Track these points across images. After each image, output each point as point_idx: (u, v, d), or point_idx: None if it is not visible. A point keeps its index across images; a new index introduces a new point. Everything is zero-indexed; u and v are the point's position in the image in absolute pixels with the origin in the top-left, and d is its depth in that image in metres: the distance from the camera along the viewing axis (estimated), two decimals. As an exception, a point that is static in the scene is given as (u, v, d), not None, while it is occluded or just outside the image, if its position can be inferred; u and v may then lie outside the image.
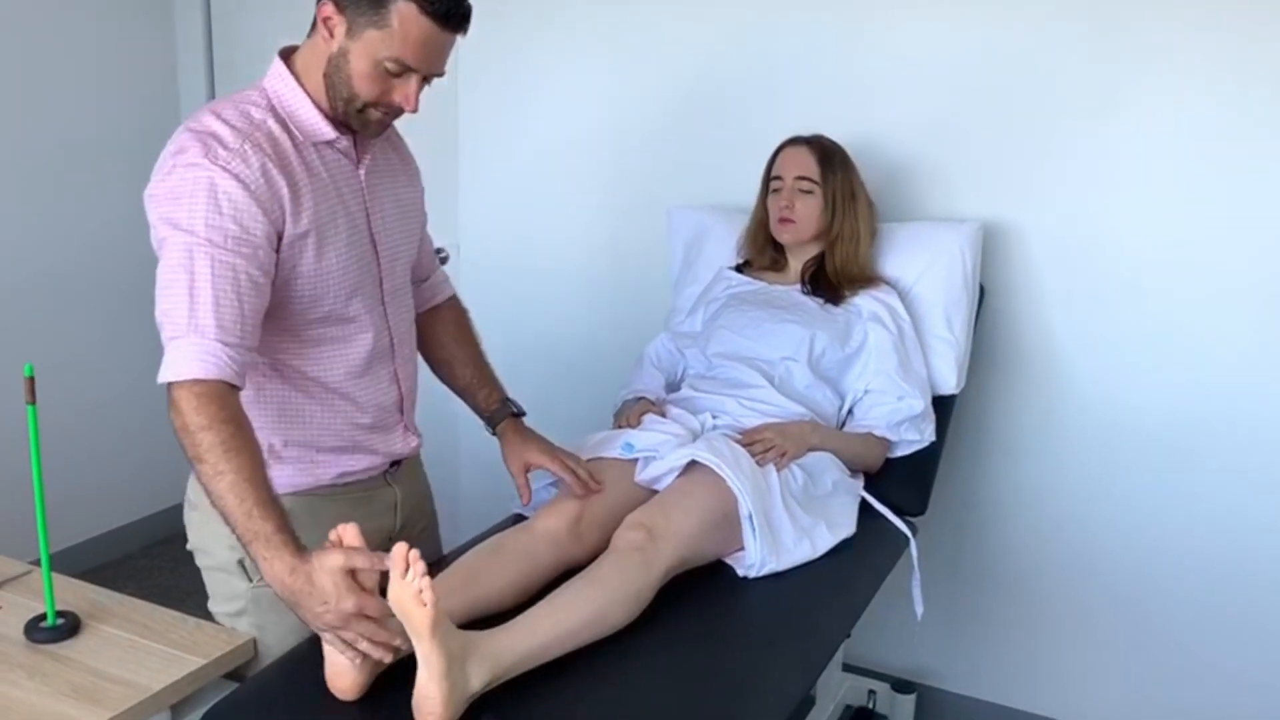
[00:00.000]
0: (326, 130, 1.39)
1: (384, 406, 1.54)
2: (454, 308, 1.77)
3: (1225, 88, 1.98)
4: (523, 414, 1.73)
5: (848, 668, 2.41)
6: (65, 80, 2.88)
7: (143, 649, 1.32)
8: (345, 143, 1.42)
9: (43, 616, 1.35)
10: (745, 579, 1.62)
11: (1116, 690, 2.31)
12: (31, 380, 1.26)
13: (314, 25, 1.36)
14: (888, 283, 2.06)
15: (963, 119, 2.20)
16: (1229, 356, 2.08)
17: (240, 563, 1.43)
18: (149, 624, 1.38)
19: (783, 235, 2.03)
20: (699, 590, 1.56)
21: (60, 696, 1.22)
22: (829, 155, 2.00)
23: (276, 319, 1.38)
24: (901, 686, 2.34)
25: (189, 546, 1.52)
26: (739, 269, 2.16)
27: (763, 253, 2.11)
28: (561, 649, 1.32)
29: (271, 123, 1.35)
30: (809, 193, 1.99)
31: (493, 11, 2.63)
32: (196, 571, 1.52)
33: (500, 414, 1.71)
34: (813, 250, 2.06)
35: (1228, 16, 1.96)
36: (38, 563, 1.38)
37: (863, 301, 1.99)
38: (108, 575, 3.00)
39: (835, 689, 2.28)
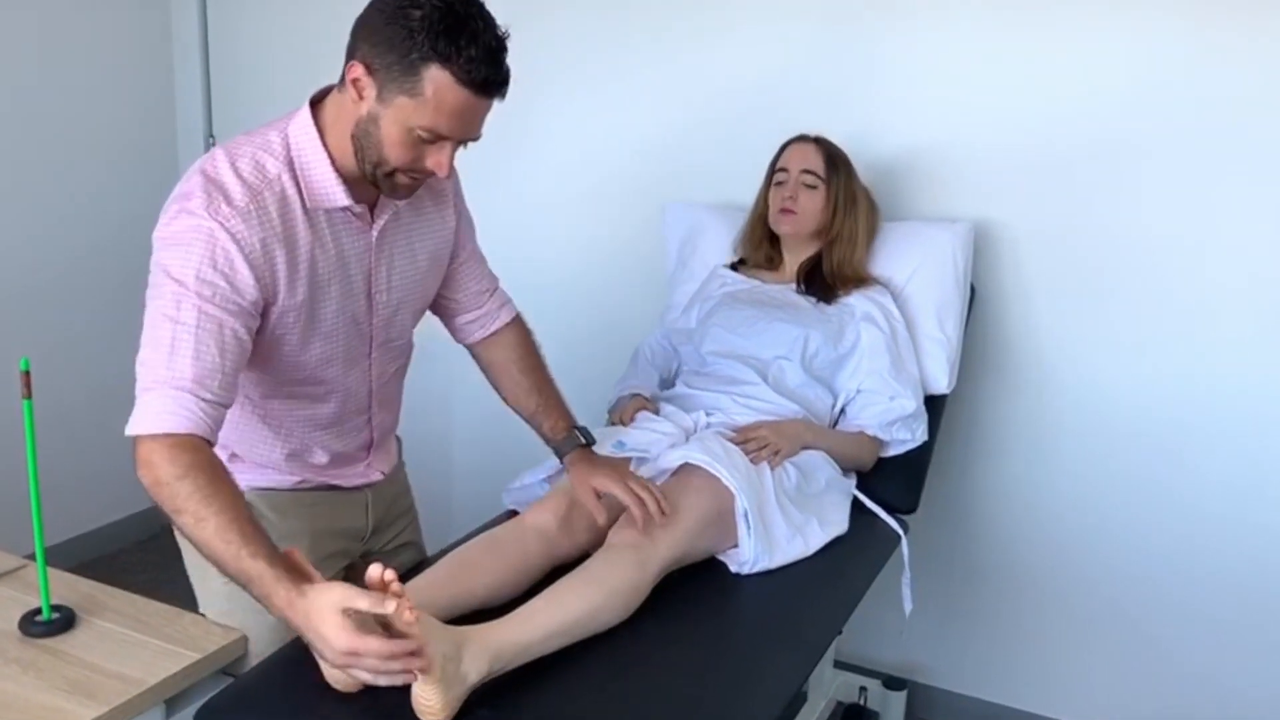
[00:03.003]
0: (339, 196, 1.32)
1: (348, 452, 1.55)
2: (514, 332, 1.68)
3: (1216, 90, 2.00)
4: (592, 442, 1.66)
5: (839, 664, 2.42)
6: (61, 75, 2.87)
7: (137, 643, 1.32)
8: (360, 208, 1.36)
9: (37, 611, 1.35)
10: (738, 576, 1.63)
11: (1105, 686, 2.33)
12: (27, 375, 1.26)
13: (342, 80, 1.28)
14: (881, 283, 2.07)
15: (955, 119, 2.21)
16: (1216, 357, 2.09)
17: None
18: (143, 618, 1.38)
19: (782, 226, 2.03)
20: (693, 587, 1.57)
21: (55, 690, 1.22)
22: (834, 156, 2.02)
23: (254, 364, 1.37)
24: (893, 683, 2.35)
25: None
26: (734, 267, 2.16)
27: (759, 248, 2.12)
28: (557, 643, 1.33)
29: (285, 179, 1.30)
30: (813, 187, 2.00)
31: (490, 8, 2.63)
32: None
33: (568, 444, 1.63)
34: (810, 249, 2.06)
35: (1226, 11, 1.98)
36: (32, 557, 1.38)
37: (856, 301, 2.00)
38: (100, 570, 2.98)
39: (827, 685, 2.30)
